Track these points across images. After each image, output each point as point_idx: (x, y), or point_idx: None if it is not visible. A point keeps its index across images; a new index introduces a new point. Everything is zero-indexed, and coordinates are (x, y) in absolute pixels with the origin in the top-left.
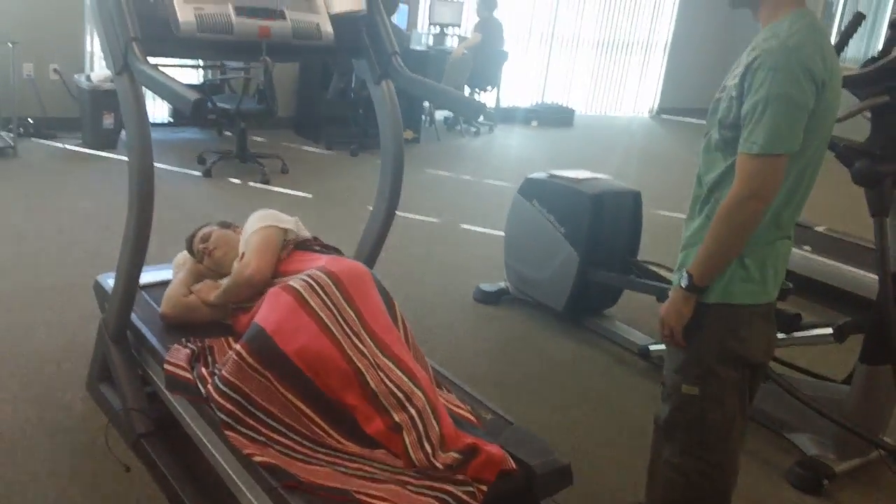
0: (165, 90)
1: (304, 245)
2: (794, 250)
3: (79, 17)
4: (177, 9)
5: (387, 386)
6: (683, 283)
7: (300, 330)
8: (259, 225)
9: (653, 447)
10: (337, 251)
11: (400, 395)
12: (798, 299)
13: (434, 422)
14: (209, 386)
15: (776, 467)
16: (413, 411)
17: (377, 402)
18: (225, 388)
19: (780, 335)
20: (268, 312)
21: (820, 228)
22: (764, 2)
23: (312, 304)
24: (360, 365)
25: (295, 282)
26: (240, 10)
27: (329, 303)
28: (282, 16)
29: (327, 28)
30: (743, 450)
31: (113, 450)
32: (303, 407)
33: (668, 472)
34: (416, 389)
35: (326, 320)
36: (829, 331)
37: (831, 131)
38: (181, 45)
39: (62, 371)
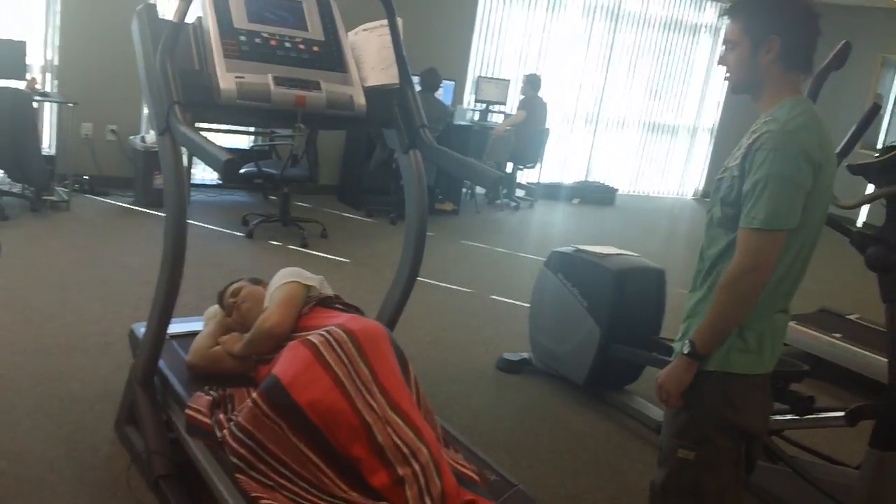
0: (200, 150)
1: (326, 303)
2: (824, 337)
3: (138, 82)
4: (219, 77)
5: (393, 441)
6: (686, 350)
7: (314, 383)
8: (283, 281)
9: None
10: (357, 310)
11: (405, 450)
12: (827, 386)
13: (436, 478)
14: (225, 431)
15: None
16: (417, 466)
17: (383, 456)
18: (239, 434)
19: (794, 417)
20: (285, 365)
21: (852, 317)
22: (765, 89)
23: (328, 358)
24: (369, 419)
25: (313, 336)
26: (278, 81)
27: (344, 358)
28: (317, 87)
29: (360, 100)
30: None
31: (133, 489)
32: (312, 456)
33: None
34: (421, 446)
35: (340, 375)
36: (841, 414)
37: (826, 212)
38: (221, 111)
39: (93, 413)
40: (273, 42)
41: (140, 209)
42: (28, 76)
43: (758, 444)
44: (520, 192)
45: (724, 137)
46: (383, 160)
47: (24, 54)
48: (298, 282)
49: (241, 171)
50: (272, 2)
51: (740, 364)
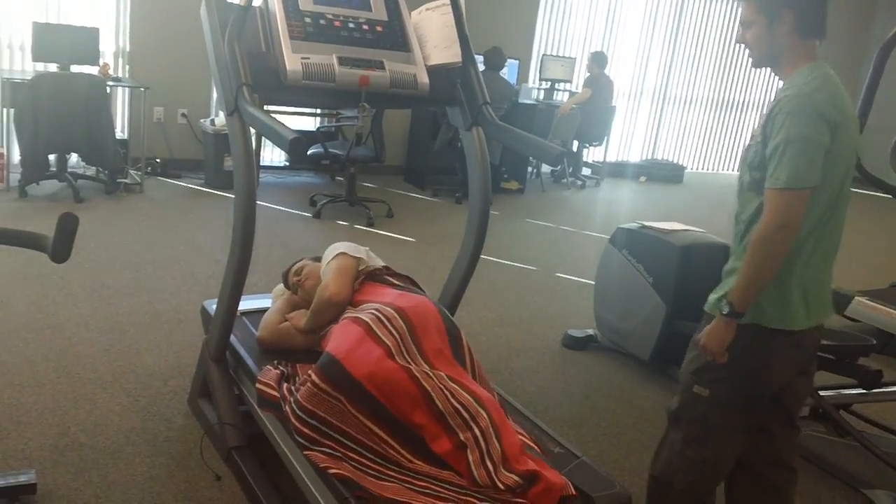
0: (267, 129)
1: (375, 276)
2: (890, 310)
3: (207, 67)
4: (286, 58)
5: (453, 406)
6: (725, 311)
7: (368, 356)
8: (333, 254)
9: (666, 429)
10: (409, 279)
11: (466, 415)
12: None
13: (496, 441)
14: (287, 408)
15: None
16: (477, 431)
17: (444, 421)
18: (302, 414)
19: (862, 391)
20: (338, 342)
21: None
22: (783, 59)
23: (379, 332)
24: (427, 386)
25: (363, 314)
26: (343, 61)
27: (395, 332)
28: (381, 66)
29: (423, 78)
30: (815, 501)
31: (206, 460)
32: (374, 428)
33: (667, 452)
34: (480, 410)
35: (393, 349)
36: None
37: (850, 172)
38: (288, 92)
39: (167, 387)
40: (337, 23)
41: (210, 191)
42: (101, 62)
43: (792, 396)
44: (586, 171)
45: None
46: (448, 140)
47: (97, 41)
48: (347, 254)
49: (309, 152)
50: None
51: (774, 320)
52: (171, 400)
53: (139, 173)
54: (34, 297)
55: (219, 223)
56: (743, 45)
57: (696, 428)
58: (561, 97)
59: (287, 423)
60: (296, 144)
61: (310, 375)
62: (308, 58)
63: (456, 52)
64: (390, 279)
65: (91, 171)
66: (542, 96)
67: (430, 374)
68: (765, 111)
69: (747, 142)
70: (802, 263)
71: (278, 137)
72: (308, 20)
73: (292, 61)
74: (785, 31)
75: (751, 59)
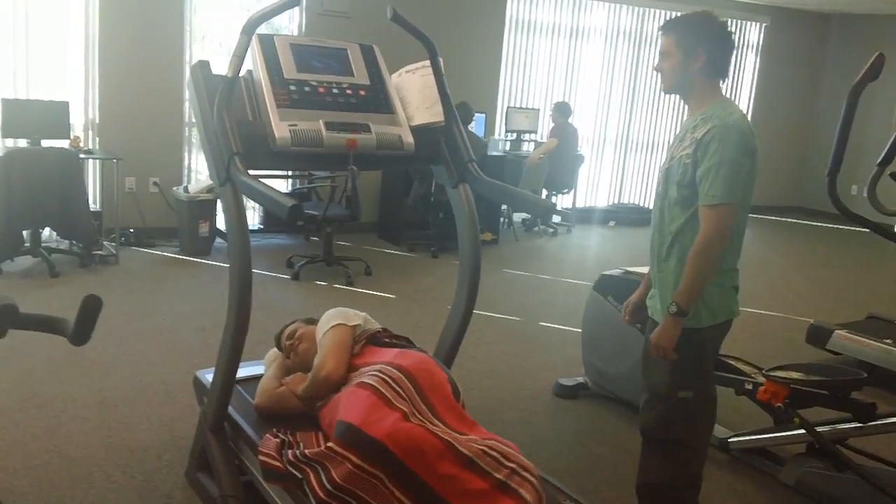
0: (264, 198)
1: (375, 339)
2: (876, 344)
3: (178, 135)
4: (274, 126)
5: (479, 448)
6: (673, 311)
7: (385, 419)
8: (330, 325)
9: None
10: (407, 340)
11: (494, 454)
12: (883, 393)
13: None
14: (312, 479)
15: None
16: (512, 465)
17: (475, 465)
18: (334, 491)
19: (857, 425)
20: (350, 409)
21: None
22: (693, 92)
23: (389, 396)
24: (448, 438)
25: (368, 378)
26: (330, 126)
27: (404, 395)
28: (367, 129)
29: (408, 139)
30: None
31: None
32: (395, 492)
33: (665, 464)
34: (508, 449)
35: (405, 409)
36: None
37: (753, 188)
38: (277, 158)
39: (163, 462)
40: (322, 89)
41: (186, 258)
42: (72, 135)
43: None
44: (556, 218)
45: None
46: (421, 195)
47: (67, 115)
48: (344, 324)
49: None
50: (318, 51)
51: (721, 315)
52: (168, 475)
53: (114, 244)
54: (19, 375)
55: (197, 291)
56: (658, 73)
57: (689, 429)
58: (528, 147)
59: (294, 492)
60: (294, 211)
61: (333, 448)
62: (296, 124)
63: (438, 112)
64: (388, 340)
65: (64, 244)
66: (509, 147)
67: (447, 430)
68: (686, 136)
69: (667, 163)
70: (728, 268)
71: (276, 205)
72: (293, 88)
73: (280, 129)
74: (697, 68)
75: (662, 86)
